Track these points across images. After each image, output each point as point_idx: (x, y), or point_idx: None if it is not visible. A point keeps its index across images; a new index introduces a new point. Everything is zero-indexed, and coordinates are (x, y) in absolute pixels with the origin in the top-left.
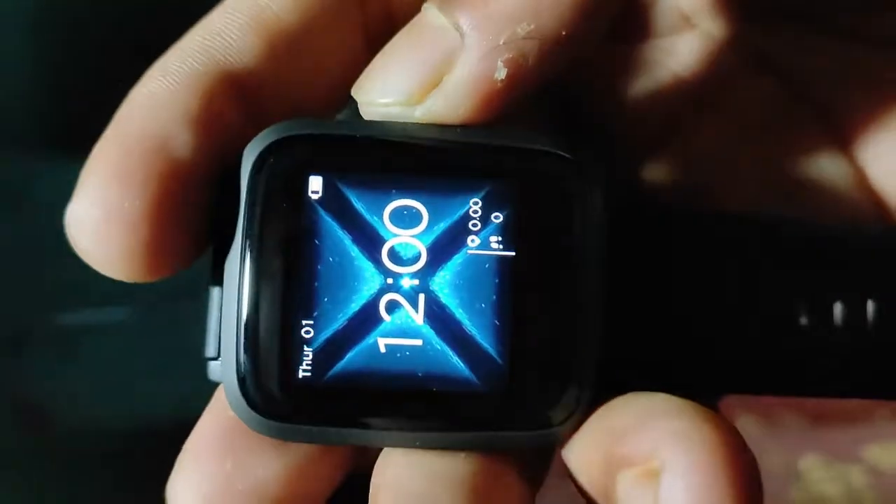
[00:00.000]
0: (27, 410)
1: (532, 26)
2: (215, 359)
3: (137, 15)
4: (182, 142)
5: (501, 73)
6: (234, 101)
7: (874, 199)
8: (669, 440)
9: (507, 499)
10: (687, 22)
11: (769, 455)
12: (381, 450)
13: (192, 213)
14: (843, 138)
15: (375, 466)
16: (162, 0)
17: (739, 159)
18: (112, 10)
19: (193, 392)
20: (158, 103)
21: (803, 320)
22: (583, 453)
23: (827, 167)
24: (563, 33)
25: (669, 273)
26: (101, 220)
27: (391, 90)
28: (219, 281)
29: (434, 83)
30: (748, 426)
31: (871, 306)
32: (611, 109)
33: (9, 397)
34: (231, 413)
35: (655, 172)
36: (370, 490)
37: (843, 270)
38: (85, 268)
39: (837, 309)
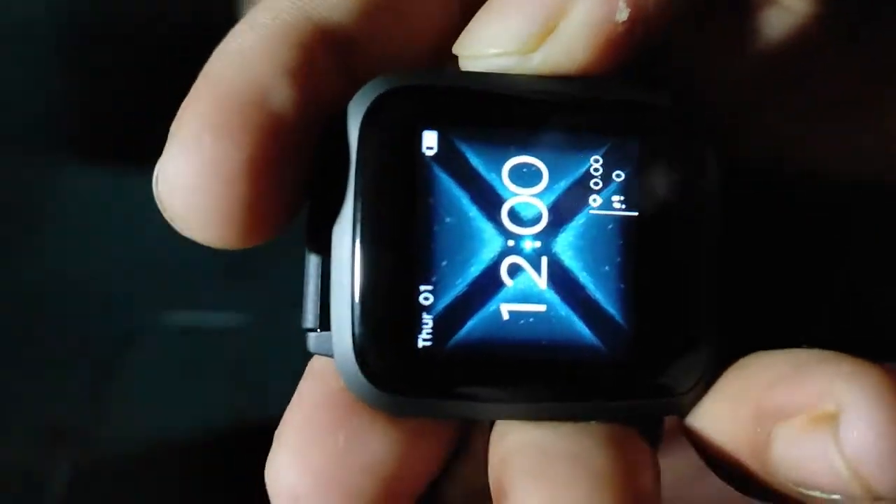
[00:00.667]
0: (59, 431)
1: None
2: (314, 330)
3: (152, 22)
4: (280, 94)
5: (623, 15)
6: (329, 57)
7: None
8: (843, 381)
9: (646, 457)
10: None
11: None
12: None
13: (291, 170)
14: None
15: (492, 439)
16: (174, 7)
17: (826, 136)
18: (126, 18)
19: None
20: (252, 55)
21: None
22: (719, 415)
23: None
24: None
25: (782, 235)
26: (197, 175)
27: (502, 39)
28: (316, 247)
29: (550, 29)
30: None
31: None
32: (692, 85)
33: (41, 418)
34: (335, 384)
35: (736, 149)
36: (493, 464)
37: None
38: (127, 277)
39: None
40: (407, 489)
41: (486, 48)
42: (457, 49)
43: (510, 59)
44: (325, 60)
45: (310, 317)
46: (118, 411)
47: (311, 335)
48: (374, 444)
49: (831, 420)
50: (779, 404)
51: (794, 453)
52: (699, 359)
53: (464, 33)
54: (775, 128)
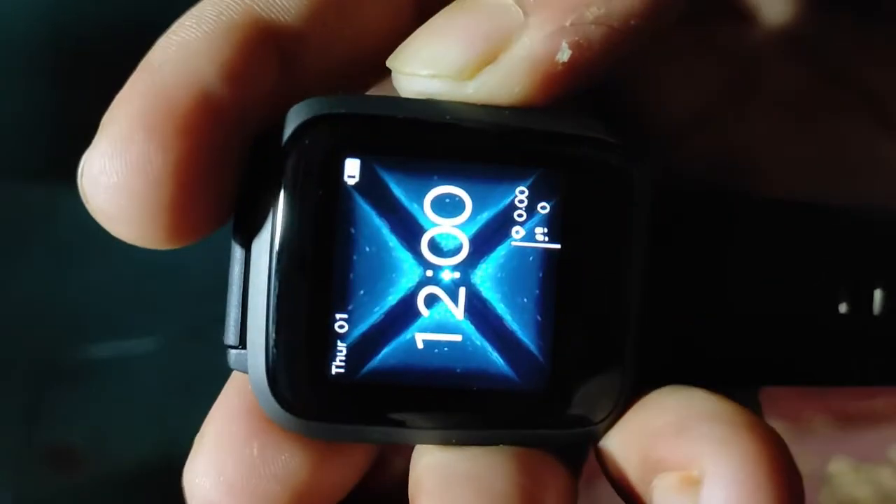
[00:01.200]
0: (56, 451)
1: (602, 11)
2: (236, 347)
3: (147, 45)
4: (217, 96)
5: (564, 56)
6: (272, 57)
7: None
8: (710, 448)
9: (554, 478)
10: (728, 7)
11: (797, 459)
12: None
13: (222, 174)
14: (888, 121)
15: (412, 457)
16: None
17: (781, 144)
18: (126, 40)
19: None
20: (192, 51)
21: (843, 308)
22: (618, 450)
23: (872, 149)
24: (632, 23)
25: (706, 262)
26: (123, 173)
27: (438, 62)
28: (239, 261)
29: (489, 59)
30: (775, 430)
31: None
32: (646, 94)
33: (37, 438)
34: (252, 397)
35: (691, 159)
36: (409, 482)
37: (884, 257)
38: (108, 298)
39: (877, 296)
40: (320, 501)
41: (420, 68)
42: (390, 63)
43: (443, 83)
44: (268, 61)
45: (231, 334)
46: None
47: (232, 352)
48: (288, 456)
49: (696, 485)
50: (660, 457)
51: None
52: (613, 391)
53: (401, 48)
54: (733, 140)
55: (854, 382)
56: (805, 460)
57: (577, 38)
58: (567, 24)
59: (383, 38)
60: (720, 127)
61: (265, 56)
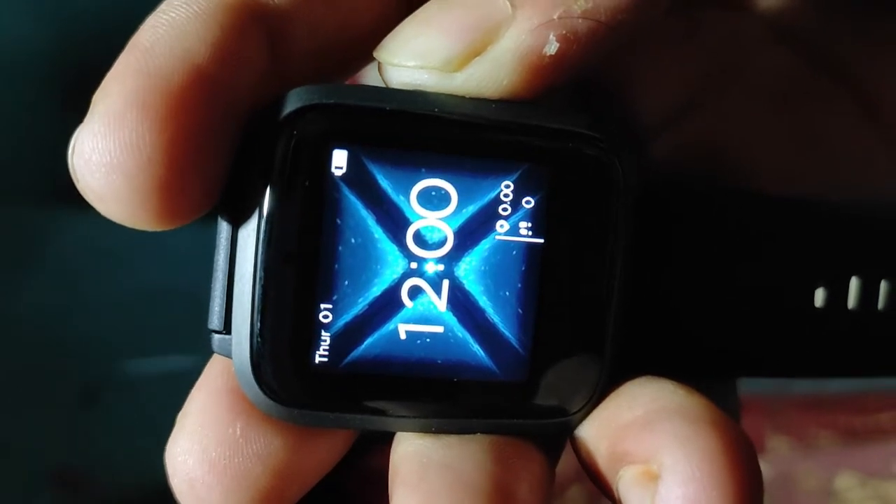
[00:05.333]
0: (62, 473)
1: (589, 5)
2: (220, 332)
3: None
4: (208, 73)
5: (552, 48)
6: (261, 39)
7: None
8: (670, 444)
9: (528, 467)
10: None
11: (804, 475)
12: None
13: (213, 155)
14: (872, 108)
15: (393, 443)
16: None
17: (764, 133)
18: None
19: None
20: (182, 31)
21: (819, 301)
22: (591, 440)
23: (856, 140)
24: (619, 17)
25: (684, 256)
26: (115, 152)
27: (426, 53)
28: (225, 246)
29: (477, 51)
30: (781, 447)
31: (884, 287)
32: (628, 84)
33: (44, 460)
34: (235, 378)
35: (674, 148)
36: (389, 468)
37: (861, 250)
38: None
39: (853, 289)
40: (300, 480)
41: (407, 59)
42: (377, 54)
43: (431, 74)
44: (257, 43)
45: (215, 318)
46: (116, 454)
47: (216, 336)
48: (269, 436)
49: (655, 480)
50: (625, 450)
51: (627, 499)
52: (590, 383)
53: (388, 38)
54: (716, 128)
55: (829, 375)
56: (812, 476)
57: (564, 32)
58: (555, 17)
59: (371, 24)
60: (703, 116)
61: (255, 37)
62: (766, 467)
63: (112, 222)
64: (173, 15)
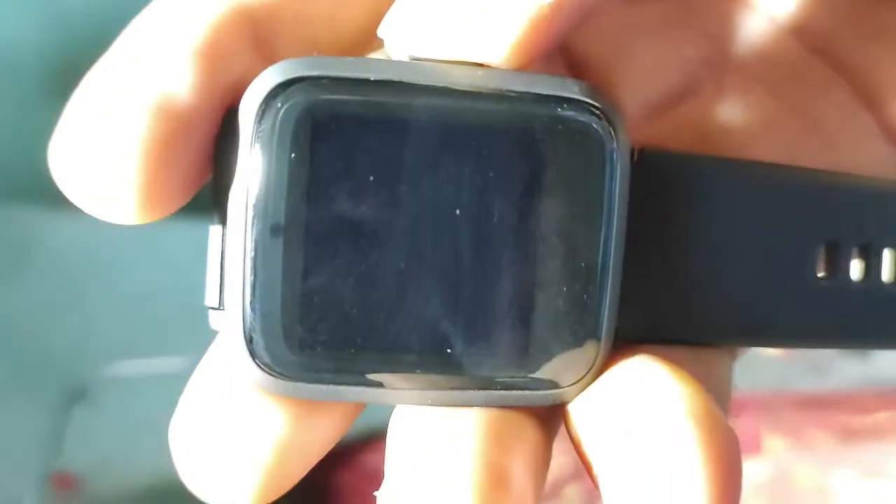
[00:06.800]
0: (53, 474)
1: None
2: (216, 308)
3: None
4: (185, 76)
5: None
6: (245, 38)
7: None
8: (652, 436)
9: (523, 446)
10: None
11: (801, 474)
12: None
13: (190, 151)
14: (871, 96)
15: (391, 417)
16: None
17: (758, 118)
18: None
19: None
20: (163, 31)
21: (819, 271)
22: (580, 417)
23: (853, 125)
24: None
25: (679, 227)
26: (89, 155)
27: (425, 26)
28: (217, 224)
29: (479, 18)
30: (778, 446)
31: (887, 256)
32: (622, 65)
33: (42, 463)
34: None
35: (669, 132)
36: (386, 445)
37: (859, 219)
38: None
39: (854, 260)
40: (303, 455)
41: (410, 34)
42: (380, 32)
43: (433, 46)
44: (239, 40)
45: (211, 295)
46: (116, 455)
47: (212, 312)
48: (271, 412)
49: (636, 472)
50: (609, 434)
51: (606, 487)
52: (586, 357)
53: (390, 15)
54: (713, 113)
55: (829, 345)
56: (808, 475)
57: None
58: None
59: (359, 17)
60: (699, 101)
61: (238, 36)
62: (762, 466)
63: (106, 224)
64: (157, 15)
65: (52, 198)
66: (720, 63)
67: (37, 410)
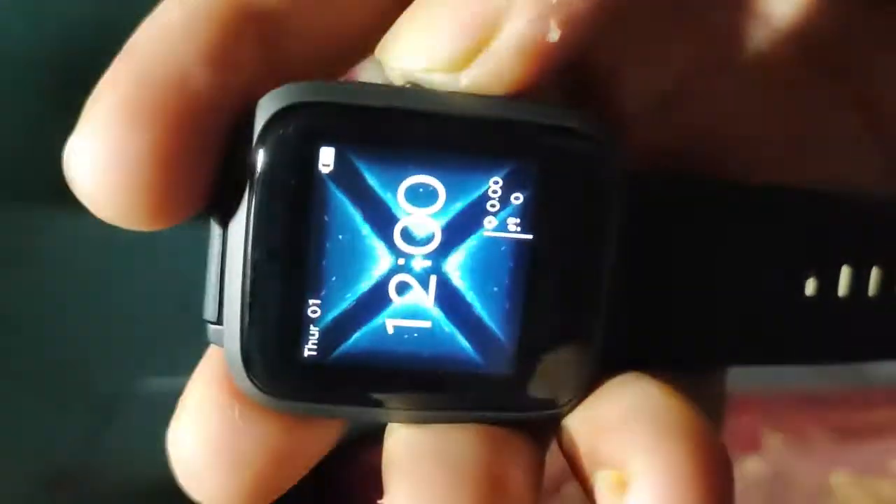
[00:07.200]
0: (60, 477)
1: None
2: (214, 322)
3: None
4: (199, 80)
5: (554, 36)
6: (254, 41)
7: (892, 160)
8: (640, 452)
9: (519, 454)
10: None
11: (799, 472)
12: None
13: (204, 157)
14: (868, 104)
15: (385, 433)
16: None
17: (753, 122)
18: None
19: None
20: (174, 35)
21: (809, 290)
22: (573, 436)
23: (849, 132)
24: None
25: (672, 247)
26: (106, 156)
27: (428, 54)
28: (218, 237)
29: (479, 48)
30: (776, 444)
31: (875, 274)
32: (615, 66)
33: (42, 463)
34: None
35: (662, 136)
36: (383, 456)
37: (850, 238)
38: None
39: (843, 277)
40: (297, 463)
41: (409, 60)
42: (379, 55)
43: (434, 75)
44: (250, 45)
45: (209, 309)
46: (118, 456)
47: (211, 327)
48: (267, 420)
49: (625, 488)
50: (601, 452)
51: (601, 502)
52: (577, 377)
53: (388, 37)
54: (704, 117)
55: (819, 361)
56: (807, 474)
57: (564, 16)
58: (553, 1)
59: (366, 23)
60: (693, 103)
61: (246, 39)
62: (761, 464)
63: (112, 227)
64: (166, 18)
65: (52, 198)
66: (715, 67)
67: (34, 410)
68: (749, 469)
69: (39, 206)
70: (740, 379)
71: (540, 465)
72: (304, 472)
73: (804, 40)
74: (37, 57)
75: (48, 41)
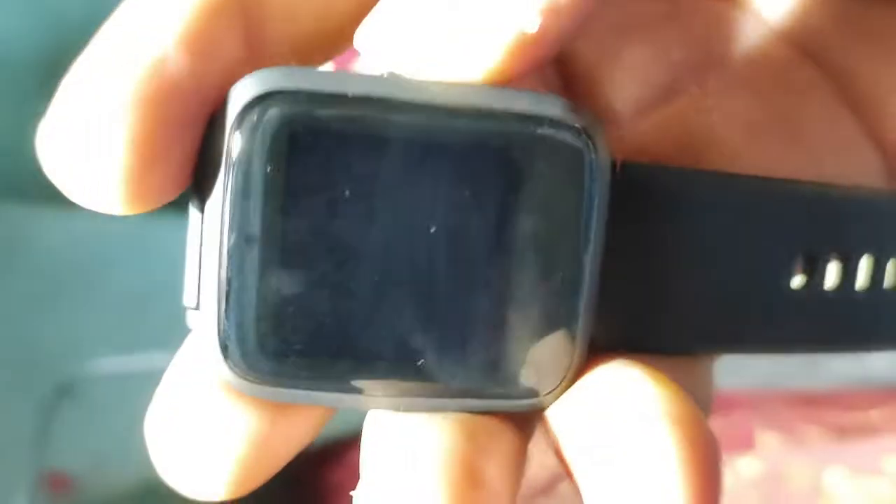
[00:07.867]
0: (51, 475)
1: None
2: (194, 308)
3: None
4: (176, 64)
5: (535, 26)
6: (234, 26)
7: (887, 160)
8: (627, 442)
9: (498, 445)
10: None
11: (793, 471)
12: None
13: (181, 142)
14: (858, 101)
15: (365, 421)
16: None
17: (742, 121)
18: None
19: None
20: (152, 18)
21: (795, 281)
22: (558, 423)
23: (839, 130)
24: None
25: (657, 238)
26: (78, 142)
27: (407, 42)
28: (195, 225)
29: (458, 37)
30: (770, 443)
31: (863, 264)
32: (604, 64)
33: (34, 463)
34: None
35: (651, 132)
36: (361, 444)
37: (836, 230)
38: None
39: (830, 269)
40: (279, 451)
41: (386, 48)
42: (357, 43)
43: (411, 62)
44: (231, 32)
45: (189, 295)
46: (106, 453)
47: (190, 313)
48: (248, 407)
49: (612, 479)
50: (588, 440)
51: (584, 492)
52: (562, 365)
53: (366, 24)
54: (696, 115)
55: (801, 350)
56: (800, 472)
57: (544, 6)
58: None
59: (350, 11)
60: (682, 102)
61: (228, 25)
62: (755, 463)
63: (96, 222)
64: (145, 1)
65: (43, 195)
66: (706, 64)
67: (25, 408)
68: (743, 468)
69: (20, 202)
70: (734, 378)
71: (521, 456)
72: (286, 460)
73: (796, 37)
74: (31, 56)
75: (43, 41)
